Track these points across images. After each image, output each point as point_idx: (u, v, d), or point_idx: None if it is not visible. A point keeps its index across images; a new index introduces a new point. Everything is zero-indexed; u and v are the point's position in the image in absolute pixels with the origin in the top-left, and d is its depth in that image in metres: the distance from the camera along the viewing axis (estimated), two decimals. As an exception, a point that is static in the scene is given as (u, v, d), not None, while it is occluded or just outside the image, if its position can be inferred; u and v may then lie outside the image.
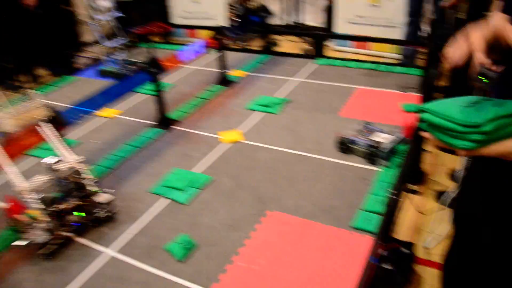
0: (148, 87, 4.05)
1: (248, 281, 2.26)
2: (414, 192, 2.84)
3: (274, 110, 3.99)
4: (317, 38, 5.33)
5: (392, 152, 3.06)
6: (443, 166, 3.19)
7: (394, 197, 2.12)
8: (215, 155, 3.37)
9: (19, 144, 2.67)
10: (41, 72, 5.73)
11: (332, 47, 5.81)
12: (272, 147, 3.41)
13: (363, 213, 2.60)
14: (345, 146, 3.15)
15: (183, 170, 3.21)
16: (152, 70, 3.71)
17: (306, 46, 5.51)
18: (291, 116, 3.87)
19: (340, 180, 2.93)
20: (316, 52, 5.31)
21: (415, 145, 2.70)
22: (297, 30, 6.44)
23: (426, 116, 0.97)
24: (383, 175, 2.93)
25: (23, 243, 2.48)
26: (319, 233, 2.53)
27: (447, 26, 3.99)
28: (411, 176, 2.86)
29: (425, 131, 1.00)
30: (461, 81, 1.30)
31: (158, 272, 2.36)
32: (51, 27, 5.58)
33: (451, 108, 0.93)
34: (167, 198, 2.95)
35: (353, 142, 3.12)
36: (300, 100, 4.17)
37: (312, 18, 6.61)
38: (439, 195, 2.81)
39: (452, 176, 3.01)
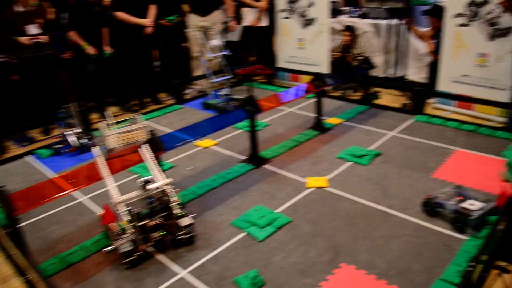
0: (245, 123, 4.23)
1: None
2: (505, 270, 2.62)
3: (364, 161, 3.96)
4: (418, 94, 5.24)
5: (482, 222, 2.88)
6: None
7: (477, 271, 1.99)
8: (298, 198, 3.41)
9: (120, 160, 2.94)
10: (162, 96, 6.33)
11: (433, 105, 5.65)
12: (356, 198, 3.38)
13: (442, 283, 2.46)
14: (431, 208, 3.03)
15: (266, 209, 3.29)
16: (249, 108, 3.90)
17: (406, 101, 5.43)
18: (380, 169, 3.81)
19: (421, 243, 2.82)
20: (415, 108, 5.21)
21: (510, 216, 2.53)
22: (398, 84, 6.37)
23: None
24: (469, 245, 2.76)
25: (111, 248, 2.71)
26: (390, 293, 2.44)
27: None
28: (503, 251, 2.65)
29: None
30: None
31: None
32: (171, 60, 6.15)
33: None
34: (245, 232, 3.03)
35: (440, 205, 2.99)
36: (391, 155, 4.09)
37: (415, 72, 6.51)
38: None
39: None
